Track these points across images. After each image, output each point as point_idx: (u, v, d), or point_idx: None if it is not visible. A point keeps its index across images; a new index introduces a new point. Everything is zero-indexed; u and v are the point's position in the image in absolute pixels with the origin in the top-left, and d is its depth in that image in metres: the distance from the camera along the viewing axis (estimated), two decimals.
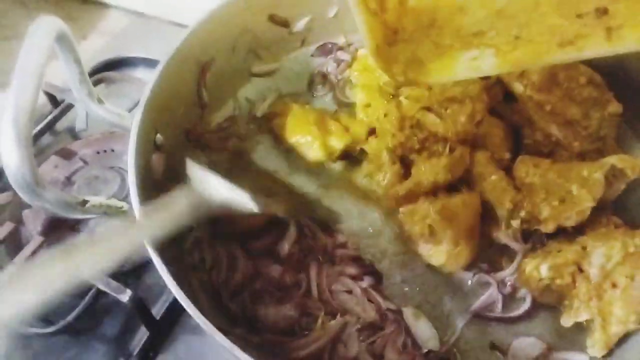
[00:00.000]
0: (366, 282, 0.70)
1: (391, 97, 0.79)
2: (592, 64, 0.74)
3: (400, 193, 0.71)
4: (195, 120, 0.78)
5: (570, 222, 0.67)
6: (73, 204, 0.50)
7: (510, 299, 0.69)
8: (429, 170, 0.71)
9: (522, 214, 0.69)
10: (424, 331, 0.66)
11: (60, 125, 0.96)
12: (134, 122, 0.60)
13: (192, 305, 0.51)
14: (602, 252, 0.64)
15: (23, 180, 0.41)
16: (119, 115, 0.61)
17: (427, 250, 0.69)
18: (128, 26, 1.19)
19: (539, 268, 0.66)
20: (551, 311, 0.67)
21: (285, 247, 0.72)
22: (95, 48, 1.13)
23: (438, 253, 0.69)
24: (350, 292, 0.69)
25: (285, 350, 0.63)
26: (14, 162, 0.39)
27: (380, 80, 0.78)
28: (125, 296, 0.67)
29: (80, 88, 0.57)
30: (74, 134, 0.96)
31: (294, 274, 0.70)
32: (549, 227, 0.68)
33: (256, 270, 0.69)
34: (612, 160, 0.67)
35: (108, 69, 1.03)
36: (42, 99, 0.94)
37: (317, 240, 0.74)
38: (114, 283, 0.69)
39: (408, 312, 0.68)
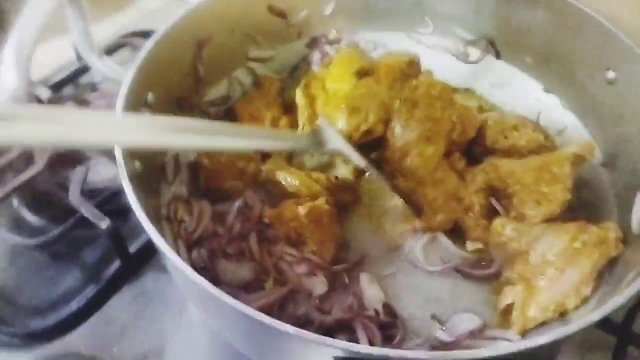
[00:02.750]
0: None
1: None
2: None
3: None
4: (189, 91, 0.85)
5: (554, 216, 0.72)
6: None
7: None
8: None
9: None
10: (375, 295, 0.70)
11: (84, 80, 1.04)
12: (126, 78, 0.67)
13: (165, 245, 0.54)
14: (548, 241, 0.68)
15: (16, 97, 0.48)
16: (115, 70, 0.68)
17: (288, 250, 0.71)
18: (164, 6, 1.26)
19: (506, 226, 0.71)
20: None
21: (230, 218, 0.76)
22: (129, 21, 1.23)
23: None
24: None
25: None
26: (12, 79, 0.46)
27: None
28: (104, 224, 0.73)
29: (83, 41, 0.65)
30: (95, 89, 1.02)
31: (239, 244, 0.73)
32: (537, 220, 0.72)
33: (215, 230, 0.74)
34: (573, 149, 0.73)
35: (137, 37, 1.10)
36: (71, 55, 1.00)
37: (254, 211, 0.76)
38: (96, 211, 0.76)
39: (364, 278, 0.72)
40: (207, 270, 0.71)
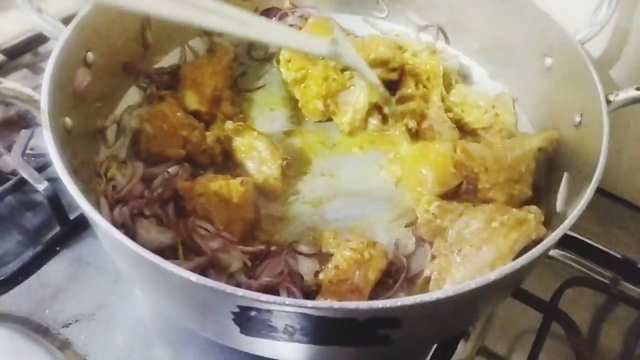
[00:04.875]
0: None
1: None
2: None
3: None
4: (136, 56, 0.85)
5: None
6: None
7: None
8: None
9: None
10: (309, 266, 0.71)
11: (44, 49, 1.04)
12: (63, 33, 0.67)
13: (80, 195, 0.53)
14: (465, 220, 0.70)
15: None
16: (56, 27, 0.67)
17: (202, 223, 0.69)
18: None
19: (431, 203, 0.73)
20: None
21: (156, 182, 0.75)
22: None
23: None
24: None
25: None
26: None
27: None
28: (41, 186, 0.73)
29: None
30: None
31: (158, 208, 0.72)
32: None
33: (142, 191, 0.74)
34: (537, 143, 0.75)
35: None
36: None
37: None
38: (35, 174, 0.75)
39: (303, 247, 0.72)
40: (125, 228, 0.69)
